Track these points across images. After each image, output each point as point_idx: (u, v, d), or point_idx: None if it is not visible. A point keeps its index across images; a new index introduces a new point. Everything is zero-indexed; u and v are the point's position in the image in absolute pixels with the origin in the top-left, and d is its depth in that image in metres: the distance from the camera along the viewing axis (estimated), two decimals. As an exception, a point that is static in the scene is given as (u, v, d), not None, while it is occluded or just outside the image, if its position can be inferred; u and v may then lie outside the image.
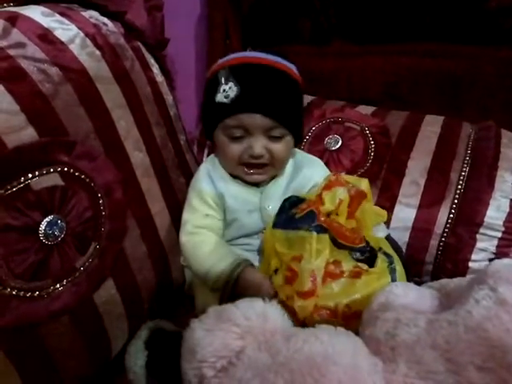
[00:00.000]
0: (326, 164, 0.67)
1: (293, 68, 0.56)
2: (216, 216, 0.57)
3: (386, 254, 0.48)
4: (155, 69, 0.63)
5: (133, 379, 0.47)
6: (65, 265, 0.44)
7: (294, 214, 0.48)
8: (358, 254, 0.45)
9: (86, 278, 0.46)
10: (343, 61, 0.92)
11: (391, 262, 0.47)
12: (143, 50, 0.61)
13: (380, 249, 0.48)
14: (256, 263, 0.56)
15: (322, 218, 0.46)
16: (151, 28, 0.67)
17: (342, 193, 0.48)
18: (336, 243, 0.45)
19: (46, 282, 0.42)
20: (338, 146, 0.73)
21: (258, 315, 0.36)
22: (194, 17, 1.02)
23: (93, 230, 0.47)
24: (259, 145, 0.52)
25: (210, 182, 0.57)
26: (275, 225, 0.49)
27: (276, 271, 0.48)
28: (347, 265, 0.44)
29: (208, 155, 0.83)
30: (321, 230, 0.45)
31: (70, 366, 0.45)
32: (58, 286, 0.44)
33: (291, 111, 0.54)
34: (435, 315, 0.34)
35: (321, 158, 0.69)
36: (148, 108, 0.59)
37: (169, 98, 0.65)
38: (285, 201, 0.51)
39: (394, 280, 0.45)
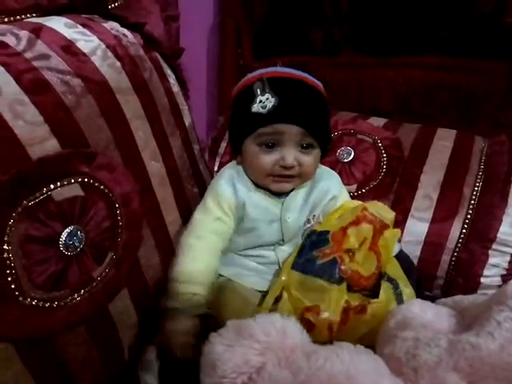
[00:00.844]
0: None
1: (320, 84, 0.57)
2: (226, 222, 0.57)
3: (390, 280, 0.48)
4: (171, 79, 0.63)
5: None
6: (83, 275, 0.44)
7: (315, 258, 0.47)
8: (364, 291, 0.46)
9: (102, 288, 0.47)
10: (354, 72, 0.93)
11: (396, 287, 0.47)
12: (161, 60, 0.62)
13: (384, 275, 0.48)
14: (269, 277, 0.57)
15: (343, 267, 0.46)
16: (167, 38, 0.68)
17: (367, 231, 0.48)
18: (349, 288, 0.46)
19: (64, 292, 0.43)
20: (350, 158, 0.73)
21: (278, 331, 0.36)
22: (206, 25, 1.03)
23: (110, 240, 0.47)
24: (291, 155, 0.53)
25: (232, 188, 0.57)
26: (294, 266, 0.48)
27: (278, 299, 0.48)
28: (354, 302, 0.45)
29: (220, 164, 0.83)
30: (341, 280, 0.45)
31: (86, 376, 0.45)
32: (75, 296, 0.44)
33: (322, 124, 0.56)
34: (456, 336, 0.34)
35: (332, 169, 0.69)
36: (165, 118, 0.59)
37: (184, 108, 0.65)
38: (306, 238, 0.50)
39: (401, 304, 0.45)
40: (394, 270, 0.50)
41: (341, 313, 0.44)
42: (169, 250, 0.58)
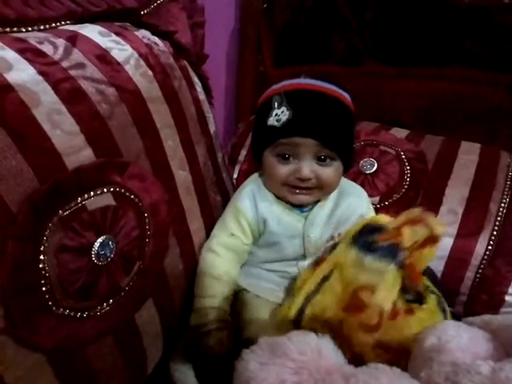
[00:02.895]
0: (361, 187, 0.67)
1: (346, 95, 0.56)
2: (242, 239, 0.57)
3: (433, 292, 0.47)
4: (198, 87, 0.63)
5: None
6: (111, 284, 0.44)
7: (373, 241, 0.45)
8: (410, 296, 0.45)
9: (129, 297, 0.46)
10: (375, 82, 0.92)
11: (439, 301, 0.46)
12: (189, 68, 0.62)
13: (427, 288, 0.47)
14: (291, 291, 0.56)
15: (403, 254, 0.44)
16: (193, 45, 0.68)
17: (421, 234, 0.45)
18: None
19: (94, 301, 0.42)
20: (373, 170, 0.73)
21: (313, 350, 0.36)
22: (226, 31, 1.03)
23: (138, 249, 0.47)
24: (307, 168, 0.53)
25: (253, 204, 0.57)
26: (354, 242, 0.46)
27: (325, 278, 0.47)
28: (401, 305, 0.44)
29: (239, 172, 0.83)
30: (401, 266, 0.44)
31: (112, 386, 0.45)
32: (104, 305, 0.44)
33: (341, 136, 0.54)
34: (498, 364, 0.33)
35: (355, 180, 0.69)
36: (192, 126, 0.59)
37: (209, 115, 0.65)
38: (364, 225, 0.48)
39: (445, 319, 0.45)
40: (432, 288, 0.49)
41: (392, 305, 0.43)
42: (193, 259, 0.58)
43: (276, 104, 0.53)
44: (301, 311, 0.45)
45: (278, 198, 0.57)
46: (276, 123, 0.52)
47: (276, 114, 0.52)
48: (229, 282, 0.57)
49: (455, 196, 0.67)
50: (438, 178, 0.70)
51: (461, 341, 0.38)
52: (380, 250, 0.45)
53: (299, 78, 0.57)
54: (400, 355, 0.41)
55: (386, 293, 0.43)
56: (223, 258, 0.57)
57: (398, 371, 0.35)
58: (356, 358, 0.40)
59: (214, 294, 0.55)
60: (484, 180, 0.68)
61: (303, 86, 0.55)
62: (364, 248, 0.45)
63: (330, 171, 0.54)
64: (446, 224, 0.56)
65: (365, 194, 0.62)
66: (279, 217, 0.56)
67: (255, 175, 0.61)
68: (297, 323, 0.46)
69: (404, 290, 0.44)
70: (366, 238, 0.46)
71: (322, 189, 0.55)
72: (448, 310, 0.47)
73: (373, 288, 0.43)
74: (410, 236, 0.44)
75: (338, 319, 0.43)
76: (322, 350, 0.36)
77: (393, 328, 0.42)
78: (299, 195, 0.55)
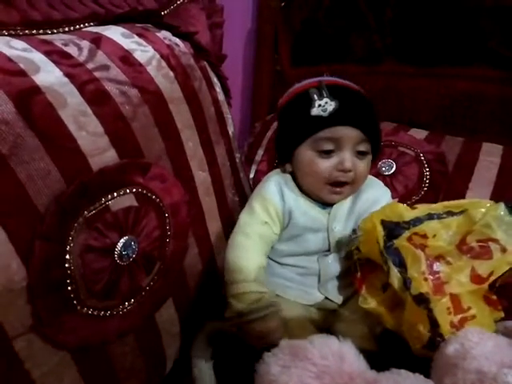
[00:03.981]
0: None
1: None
2: (272, 227, 0.56)
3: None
4: (218, 87, 0.64)
5: (197, 377, 0.48)
6: (133, 284, 0.45)
7: None
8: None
9: (150, 297, 0.47)
10: (395, 81, 0.91)
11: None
12: (208, 69, 0.62)
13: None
14: (308, 289, 0.57)
15: None
16: (212, 45, 0.68)
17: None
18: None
19: (116, 301, 0.43)
20: (391, 171, 0.72)
21: (334, 355, 0.36)
22: (243, 30, 1.02)
23: (159, 249, 0.48)
24: (349, 159, 0.53)
25: (280, 194, 0.56)
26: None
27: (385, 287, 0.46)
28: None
29: (256, 172, 0.83)
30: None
31: (132, 384, 0.46)
32: (126, 304, 0.44)
33: (377, 128, 0.57)
34: (525, 372, 0.33)
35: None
36: (211, 127, 0.59)
37: (228, 116, 0.66)
38: None
39: None
40: None
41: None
42: (211, 259, 0.58)
43: (315, 96, 0.53)
44: None
45: (304, 193, 0.57)
46: (322, 113, 0.52)
47: (320, 105, 0.52)
48: (262, 268, 0.55)
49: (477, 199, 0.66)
50: (459, 180, 0.68)
51: (485, 348, 0.37)
52: None
53: (322, 76, 0.57)
54: None
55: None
56: (257, 246, 0.55)
57: (422, 378, 0.35)
58: None
59: (254, 279, 0.52)
60: (506, 182, 0.66)
61: (335, 82, 0.56)
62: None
63: (364, 165, 0.55)
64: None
65: (381, 184, 0.61)
66: (305, 210, 0.56)
67: (276, 171, 0.60)
68: None
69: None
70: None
71: (353, 183, 0.55)
72: None
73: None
74: None
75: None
76: (344, 354, 0.36)
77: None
78: (336, 195, 0.56)
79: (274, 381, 0.35)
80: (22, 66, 0.37)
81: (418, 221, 0.46)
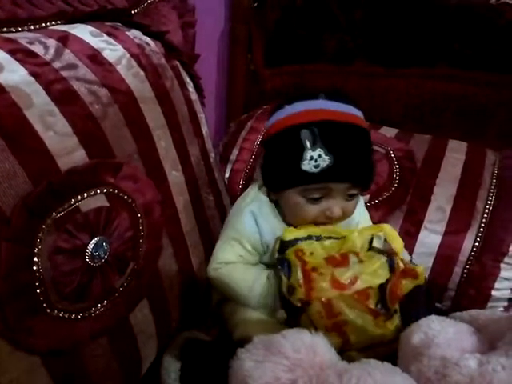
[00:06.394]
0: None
1: (361, 115, 0.53)
2: (249, 257, 0.57)
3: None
4: (190, 87, 0.63)
5: None
6: (105, 286, 0.44)
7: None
8: (379, 308, 0.47)
9: (123, 298, 0.47)
10: (366, 81, 0.93)
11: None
12: (180, 68, 0.62)
13: (396, 311, 0.48)
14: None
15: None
16: (184, 45, 0.68)
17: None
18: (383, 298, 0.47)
19: (88, 303, 0.42)
20: (363, 169, 0.74)
21: (307, 348, 0.37)
22: (216, 31, 1.02)
23: (132, 250, 0.47)
24: (338, 208, 0.51)
25: (256, 228, 0.55)
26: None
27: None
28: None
29: (231, 171, 0.83)
30: (392, 269, 0.48)
31: (107, 387, 0.45)
32: (99, 306, 0.44)
33: (372, 174, 0.53)
34: (485, 356, 0.35)
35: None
36: (184, 127, 0.59)
37: (201, 116, 0.66)
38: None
39: None
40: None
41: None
42: (186, 259, 0.58)
43: (308, 143, 0.48)
44: None
45: (283, 217, 0.56)
46: (314, 169, 0.48)
47: (312, 157, 0.48)
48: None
49: (443, 194, 0.68)
50: (427, 176, 0.71)
51: (447, 335, 0.39)
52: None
53: (317, 98, 0.51)
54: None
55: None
56: (240, 264, 0.56)
57: (390, 366, 0.36)
58: None
59: (256, 275, 0.54)
60: (471, 178, 0.69)
61: (332, 115, 0.49)
62: None
63: (353, 204, 0.53)
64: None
65: (361, 203, 0.61)
66: None
67: (254, 189, 0.58)
68: None
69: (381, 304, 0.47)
70: None
71: (340, 220, 0.54)
72: None
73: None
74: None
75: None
76: (316, 347, 0.37)
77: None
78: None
79: (248, 376, 0.35)
80: (-16, 64, 0.36)
81: (295, 241, 0.51)
